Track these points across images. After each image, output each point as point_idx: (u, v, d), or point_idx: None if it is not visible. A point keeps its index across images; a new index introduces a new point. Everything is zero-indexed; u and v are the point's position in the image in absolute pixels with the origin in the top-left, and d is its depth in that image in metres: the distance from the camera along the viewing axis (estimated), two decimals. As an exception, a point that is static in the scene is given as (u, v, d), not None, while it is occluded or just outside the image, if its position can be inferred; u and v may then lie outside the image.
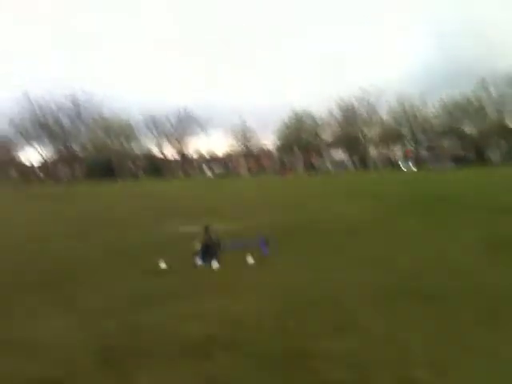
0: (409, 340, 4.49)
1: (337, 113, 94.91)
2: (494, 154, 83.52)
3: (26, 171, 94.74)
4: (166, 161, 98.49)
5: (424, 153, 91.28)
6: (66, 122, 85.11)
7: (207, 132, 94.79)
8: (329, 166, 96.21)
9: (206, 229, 9.01)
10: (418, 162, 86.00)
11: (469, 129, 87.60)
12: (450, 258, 7.94)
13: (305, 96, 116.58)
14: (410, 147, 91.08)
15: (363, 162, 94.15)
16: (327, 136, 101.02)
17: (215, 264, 8.26)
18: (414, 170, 75.90)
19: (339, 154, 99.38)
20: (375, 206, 16.66)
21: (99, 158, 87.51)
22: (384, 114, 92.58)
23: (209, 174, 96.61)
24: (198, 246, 8.77)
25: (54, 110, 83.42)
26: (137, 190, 40.64)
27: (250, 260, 8.22)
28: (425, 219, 12.97)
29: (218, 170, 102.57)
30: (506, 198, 17.27)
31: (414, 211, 15.05)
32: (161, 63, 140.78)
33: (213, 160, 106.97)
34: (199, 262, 8.39)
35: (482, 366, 3.93)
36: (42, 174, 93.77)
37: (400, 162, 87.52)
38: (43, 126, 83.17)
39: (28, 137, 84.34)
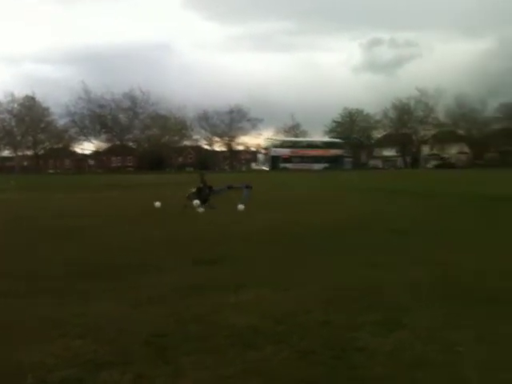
0: (457, 339, 4.42)
1: (392, 112, 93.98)
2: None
3: (79, 161, 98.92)
4: (214, 155, 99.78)
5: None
6: (123, 119, 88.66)
7: (258, 128, 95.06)
8: (379, 164, 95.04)
9: (202, 175, 10.81)
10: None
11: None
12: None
13: (358, 95, 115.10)
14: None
15: (415, 161, 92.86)
16: (379, 134, 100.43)
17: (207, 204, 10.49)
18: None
19: (391, 152, 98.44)
20: (418, 205, 16.35)
21: (150, 151, 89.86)
22: (441, 115, 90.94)
23: (255, 167, 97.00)
24: (193, 190, 10.95)
25: (112, 107, 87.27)
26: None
27: (241, 207, 9.96)
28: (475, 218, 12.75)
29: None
30: None
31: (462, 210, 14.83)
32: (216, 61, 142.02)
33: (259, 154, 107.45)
34: (196, 201, 10.21)
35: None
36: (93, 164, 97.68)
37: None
38: (102, 123, 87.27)
39: (86, 132, 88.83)
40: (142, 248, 9.53)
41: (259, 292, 6.12)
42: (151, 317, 5.28)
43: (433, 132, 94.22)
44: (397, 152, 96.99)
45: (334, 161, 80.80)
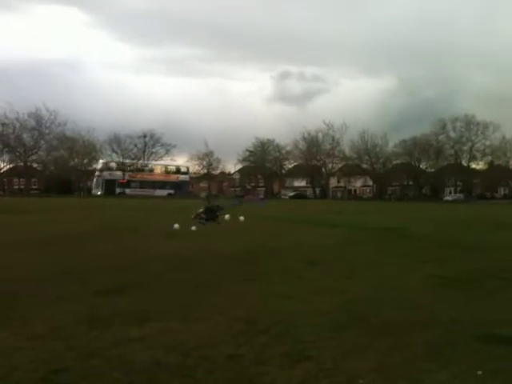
0: (355, 369, 4.51)
1: (302, 144, 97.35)
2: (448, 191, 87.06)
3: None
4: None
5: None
6: (28, 139, 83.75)
7: (171, 154, 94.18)
8: (290, 193, 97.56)
9: (208, 197, 12.76)
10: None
11: (426, 166, 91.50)
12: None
13: (270, 125, 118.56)
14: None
15: (324, 192, 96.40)
16: (290, 165, 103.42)
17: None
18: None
19: (301, 183, 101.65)
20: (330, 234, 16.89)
21: (58, 174, 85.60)
22: (347, 148, 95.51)
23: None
24: (200, 210, 12.77)
25: (16, 126, 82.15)
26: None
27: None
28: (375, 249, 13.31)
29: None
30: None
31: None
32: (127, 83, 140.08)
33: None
34: (203, 220, 12.41)
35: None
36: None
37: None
38: (4, 142, 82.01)
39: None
40: (41, 275, 8.91)
41: (165, 324, 5.92)
42: (49, 351, 4.94)
43: (340, 165, 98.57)
44: (307, 183, 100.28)
45: (179, 187, 76.68)
